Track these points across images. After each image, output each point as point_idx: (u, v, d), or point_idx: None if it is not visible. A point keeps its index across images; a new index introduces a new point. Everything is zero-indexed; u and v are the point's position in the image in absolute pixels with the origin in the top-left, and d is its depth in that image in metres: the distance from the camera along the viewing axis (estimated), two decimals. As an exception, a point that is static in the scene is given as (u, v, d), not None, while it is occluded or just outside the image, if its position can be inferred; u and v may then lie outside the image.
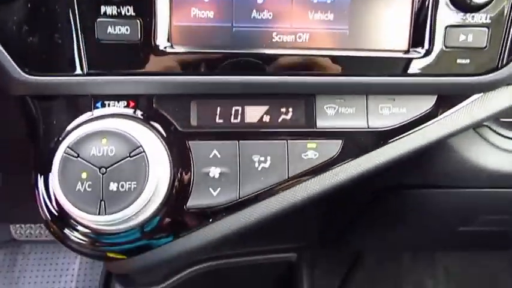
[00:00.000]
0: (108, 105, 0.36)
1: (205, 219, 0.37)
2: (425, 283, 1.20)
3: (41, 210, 0.36)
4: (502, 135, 0.46)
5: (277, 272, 0.81)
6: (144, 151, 0.34)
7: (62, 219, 0.36)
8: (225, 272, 0.77)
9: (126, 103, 0.37)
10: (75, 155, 0.33)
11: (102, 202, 0.33)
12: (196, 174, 0.36)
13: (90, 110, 0.36)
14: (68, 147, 0.33)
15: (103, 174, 0.33)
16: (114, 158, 0.33)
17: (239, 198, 0.36)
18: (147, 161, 0.34)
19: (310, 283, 0.79)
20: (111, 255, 0.37)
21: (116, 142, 0.34)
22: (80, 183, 0.33)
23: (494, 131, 0.47)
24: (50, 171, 0.35)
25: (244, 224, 0.37)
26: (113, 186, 0.33)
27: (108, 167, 0.33)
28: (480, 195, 0.50)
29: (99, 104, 0.36)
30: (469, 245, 0.81)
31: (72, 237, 0.36)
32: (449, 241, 0.74)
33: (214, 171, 0.37)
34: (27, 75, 0.35)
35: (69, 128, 0.36)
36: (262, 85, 0.37)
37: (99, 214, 0.32)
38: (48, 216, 0.36)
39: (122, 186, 0.33)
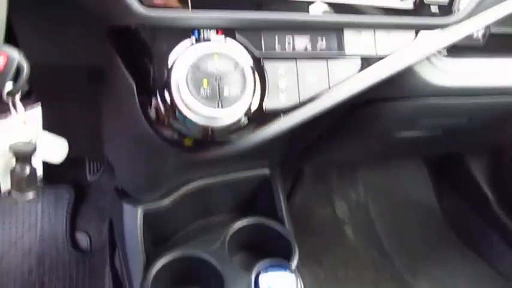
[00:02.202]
0: (203, 32, 0.48)
1: (276, 116, 0.51)
2: (350, 196, 1.49)
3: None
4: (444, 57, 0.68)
5: (255, 185, 0.98)
6: (243, 67, 0.46)
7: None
8: (211, 188, 0.91)
9: (216, 31, 0.48)
10: (197, 69, 0.45)
11: (219, 100, 0.45)
12: (269, 84, 0.50)
13: (189, 37, 0.47)
14: (191, 64, 0.44)
15: (218, 82, 0.45)
16: (223, 71, 0.45)
17: (299, 101, 0.52)
18: (244, 73, 0.47)
19: (282, 193, 0.97)
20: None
21: (223, 59, 0.46)
22: (202, 88, 0.45)
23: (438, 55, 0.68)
24: (165, 89, 0.45)
25: (301, 120, 0.52)
26: (225, 90, 0.45)
27: (221, 77, 0.45)
28: (424, 103, 0.72)
29: (196, 32, 0.47)
30: (402, 151, 1.05)
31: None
32: (389, 148, 0.97)
33: (281, 83, 0.51)
34: (144, 8, 0.44)
35: (178, 50, 0.46)
36: (307, 22, 0.52)
37: (217, 107, 0.45)
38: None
39: (230, 91, 0.46)
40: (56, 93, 0.58)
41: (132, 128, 0.55)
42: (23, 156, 0.43)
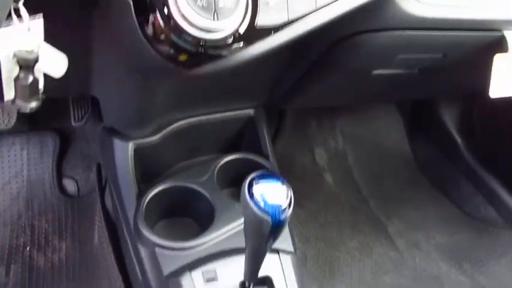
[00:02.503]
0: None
1: (267, 33, 0.54)
2: (329, 144, 1.54)
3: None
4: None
5: (240, 125, 1.01)
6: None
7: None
8: (199, 126, 0.94)
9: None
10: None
11: (215, 12, 0.48)
12: (260, 4, 0.53)
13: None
14: None
15: (215, -5, 0.47)
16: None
17: (288, 19, 0.55)
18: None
19: (267, 132, 1.01)
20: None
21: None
22: (199, 0, 0.47)
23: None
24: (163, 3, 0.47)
25: (288, 38, 0.55)
26: (220, 2, 0.48)
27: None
28: (402, 35, 0.76)
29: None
30: (378, 93, 1.10)
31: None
32: (366, 88, 1.01)
33: (272, 1, 0.53)
34: None
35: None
36: None
37: (213, 20, 0.47)
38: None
39: (225, 3, 0.48)
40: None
41: (127, 49, 0.57)
42: (26, 64, 0.45)
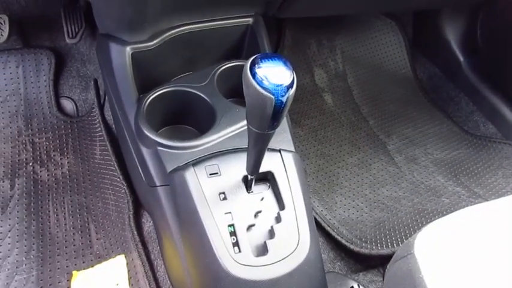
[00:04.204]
0: None
1: None
2: (329, 65, 1.52)
3: None
4: None
5: (239, 34, 0.99)
6: None
7: None
8: (197, 34, 0.91)
9: None
10: None
11: None
12: None
13: None
14: None
15: None
16: None
17: None
18: None
19: (267, 39, 0.98)
20: None
21: None
22: None
23: None
24: None
25: None
26: None
27: None
28: None
29: None
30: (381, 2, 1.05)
31: None
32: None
33: None
34: None
35: None
36: None
37: None
38: None
39: None
40: None
41: None
42: None
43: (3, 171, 1.01)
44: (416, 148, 1.34)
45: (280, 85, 0.51)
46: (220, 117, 0.80)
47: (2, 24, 1.04)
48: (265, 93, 0.51)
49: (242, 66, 0.90)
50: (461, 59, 1.49)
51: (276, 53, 1.39)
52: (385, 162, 1.30)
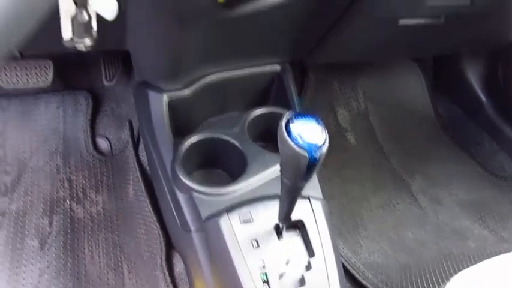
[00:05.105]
0: None
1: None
2: (351, 104, 1.55)
3: None
4: None
5: (267, 80, 1.04)
6: None
7: None
8: (227, 81, 0.96)
9: None
10: None
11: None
12: None
13: None
14: None
15: None
16: None
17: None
18: None
19: (294, 87, 1.03)
20: None
21: None
22: None
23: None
24: None
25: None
26: None
27: None
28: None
29: None
30: (402, 46, 1.10)
31: None
32: (390, 40, 1.01)
33: None
34: None
35: None
36: None
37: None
38: None
39: None
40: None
41: None
42: (82, 3, 0.48)
43: (43, 209, 1.07)
44: (440, 188, 1.35)
45: (314, 143, 0.55)
46: (251, 163, 0.84)
47: (47, 68, 1.12)
48: (299, 150, 0.54)
49: (270, 114, 0.96)
50: (483, 98, 1.51)
51: (301, 96, 1.44)
52: (409, 203, 1.31)
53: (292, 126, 0.55)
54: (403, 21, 0.88)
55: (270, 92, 1.05)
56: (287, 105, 1.01)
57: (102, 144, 1.24)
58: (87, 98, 1.21)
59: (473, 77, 1.52)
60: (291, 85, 1.01)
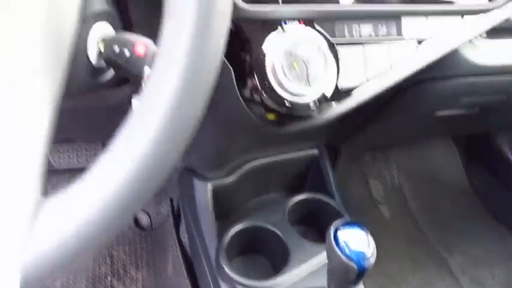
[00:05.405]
0: (286, 23, 0.57)
1: (348, 93, 0.60)
2: (384, 177, 1.56)
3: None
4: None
5: (305, 164, 1.07)
6: (324, 51, 0.55)
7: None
8: (267, 166, 1.00)
9: (298, 21, 0.57)
10: (289, 54, 0.54)
11: (307, 80, 0.54)
12: (341, 66, 0.59)
13: (278, 27, 0.56)
14: (284, 50, 0.53)
15: (305, 63, 0.54)
16: (309, 55, 0.54)
17: (367, 79, 0.61)
18: (326, 56, 0.56)
19: (331, 171, 1.06)
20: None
21: (309, 45, 0.55)
22: (293, 70, 0.54)
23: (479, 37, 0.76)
24: (260, 72, 0.55)
25: (369, 96, 0.61)
26: (311, 71, 0.54)
27: (307, 60, 0.54)
28: (466, 82, 0.80)
29: (283, 23, 0.56)
30: (437, 131, 1.13)
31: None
32: (426, 128, 1.05)
33: (352, 65, 0.60)
34: (245, 4, 0.54)
35: (270, 38, 0.55)
36: (370, 12, 0.61)
37: (306, 86, 0.54)
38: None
39: (316, 71, 0.55)
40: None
41: (223, 107, 0.64)
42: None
43: (85, 285, 1.10)
44: (481, 268, 1.31)
45: (362, 253, 0.56)
46: (293, 253, 0.85)
47: (96, 150, 1.20)
48: (347, 260, 0.56)
49: (310, 199, 0.99)
50: (520, 169, 1.49)
51: (334, 168, 1.47)
52: (450, 283, 1.27)
53: (339, 235, 0.58)
54: (439, 113, 0.91)
55: (307, 174, 1.08)
56: (325, 188, 1.03)
57: (142, 218, 1.28)
58: None
59: (508, 147, 1.52)
60: (328, 170, 1.04)
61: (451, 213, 1.50)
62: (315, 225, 1.01)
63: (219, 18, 0.36)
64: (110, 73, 0.55)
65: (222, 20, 0.37)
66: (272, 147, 0.94)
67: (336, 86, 0.59)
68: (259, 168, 0.99)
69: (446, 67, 0.75)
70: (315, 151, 1.05)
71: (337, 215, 0.95)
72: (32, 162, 0.31)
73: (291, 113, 0.57)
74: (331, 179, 1.02)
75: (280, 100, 0.55)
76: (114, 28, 0.52)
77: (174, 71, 0.35)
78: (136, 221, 1.26)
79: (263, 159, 0.99)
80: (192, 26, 0.35)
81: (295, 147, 1.01)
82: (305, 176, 1.09)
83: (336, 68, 0.57)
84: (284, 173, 1.05)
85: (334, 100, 0.60)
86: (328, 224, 0.95)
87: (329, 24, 0.59)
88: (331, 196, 1.01)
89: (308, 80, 0.54)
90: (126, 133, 0.33)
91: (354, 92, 0.61)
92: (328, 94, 0.56)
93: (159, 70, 0.36)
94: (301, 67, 0.54)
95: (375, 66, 0.61)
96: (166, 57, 0.35)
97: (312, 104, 0.56)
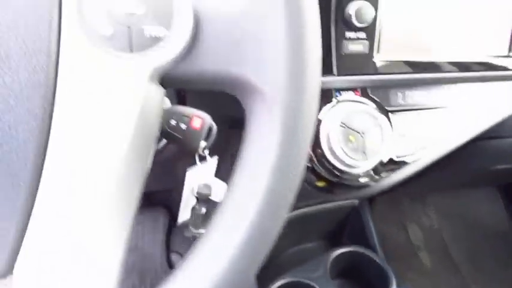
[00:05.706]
0: (341, 93, 0.56)
1: (404, 163, 0.59)
2: (423, 221, 1.51)
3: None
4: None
5: (344, 214, 1.05)
6: (381, 122, 0.54)
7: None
8: (308, 215, 0.98)
9: (352, 91, 0.56)
10: (345, 125, 0.53)
11: (364, 153, 0.53)
12: (397, 136, 0.58)
13: (333, 98, 0.56)
14: (341, 120, 0.53)
15: (362, 136, 0.53)
16: (365, 126, 0.53)
17: (423, 148, 0.59)
18: (382, 127, 0.54)
19: (372, 222, 1.03)
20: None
21: (365, 116, 0.54)
22: (349, 142, 0.53)
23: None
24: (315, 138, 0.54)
25: (425, 164, 0.59)
26: (368, 143, 0.53)
27: (364, 131, 0.53)
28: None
29: (337, 93, 0.56)
30: (485, 181, 1.08)
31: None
32: (476, 179, 1.01)
33: (406, 132, 0.59)
34: None
35: (325, 108, 0.55)
36: (426, 79, 0.60)
37: (362, 159, 0.53)
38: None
39: (372, 143, 0.53)
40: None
41: None
42: (203, 198, 0.52)
43: None
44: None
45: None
46: None
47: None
48: None
49: (350, 253, 0.96)
50: None
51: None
52: None
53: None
54: (494, 167, 0.88)
55: (346, 223, 1.06)
56: (365, 239, 1.00)
57: (177, 260, 1.27)
58: (166, 216, 1.27)
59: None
60: (370, 222, 1.01)
61: (493, 259, 1.43)
62: (356, 278, 0.97)
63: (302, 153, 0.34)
64: (162, 142, 0.55)
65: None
66: (314, 201, 0.93)
67: (391, 158, 0.57)
68: (300, 217, 0.97)
69: (502, 129, 0.73)
70: (355, 201, 1.03)
71: (381, 271, 0.91)
72: None
73: (342, 182, 0.56)
74: (373, 232, 0.99)
75: (332, 169, 0.54)
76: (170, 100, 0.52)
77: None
78: (169, 262, 1.25)
79: (304, 208, 0.98)
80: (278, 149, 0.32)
81: (333, 199, 0.99)
82: (344, 225, 1.06)
83: (392, 138, 0.56)
84: (324, 222, 1.02)
85: (390, 170, 0.58)
86: (371, 281, 0.92)
87: (383, 91, 0.58)
88: (372, 249, 0.97)
89: (365, 152, 0.53)
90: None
91: (411, 161, 0.59)
92: (384, 162, 0.55)
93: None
94: (358, 140, 0.52)
95: (430, 133, 0.59)
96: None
97: (362, 174, 0.54)
